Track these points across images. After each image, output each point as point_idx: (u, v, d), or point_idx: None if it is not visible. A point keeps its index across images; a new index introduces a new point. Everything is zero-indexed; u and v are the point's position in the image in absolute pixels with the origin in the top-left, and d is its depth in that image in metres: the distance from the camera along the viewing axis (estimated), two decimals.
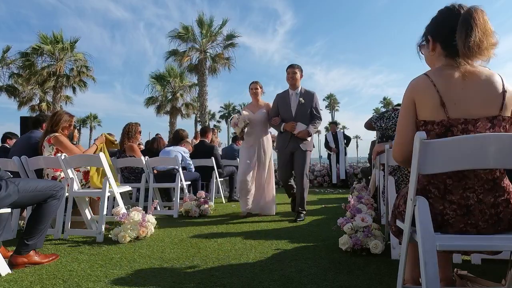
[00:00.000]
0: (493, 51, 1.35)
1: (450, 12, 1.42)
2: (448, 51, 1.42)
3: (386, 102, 60.73)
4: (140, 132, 5.09)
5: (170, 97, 24.06)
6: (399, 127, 1.48)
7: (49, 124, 3.57)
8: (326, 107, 62.93)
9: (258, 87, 4.58)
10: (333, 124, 9.62)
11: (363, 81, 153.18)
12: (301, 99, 4.04)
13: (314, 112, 4.09)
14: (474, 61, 1.36)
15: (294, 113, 4.07)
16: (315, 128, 4.11)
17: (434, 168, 1.31)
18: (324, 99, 64.36)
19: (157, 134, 6.67)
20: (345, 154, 9.19)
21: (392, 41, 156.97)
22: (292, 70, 4.10)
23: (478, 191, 1.32)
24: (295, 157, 4.11)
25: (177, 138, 5.74)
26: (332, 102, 63.63)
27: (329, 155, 9.31)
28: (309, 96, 4.09)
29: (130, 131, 4.96)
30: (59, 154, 3.25)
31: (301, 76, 4.16)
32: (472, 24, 1.31)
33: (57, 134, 3.54)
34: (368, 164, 7.21)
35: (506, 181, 1.36)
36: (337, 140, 9.09)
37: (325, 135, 9.03)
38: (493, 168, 1.30)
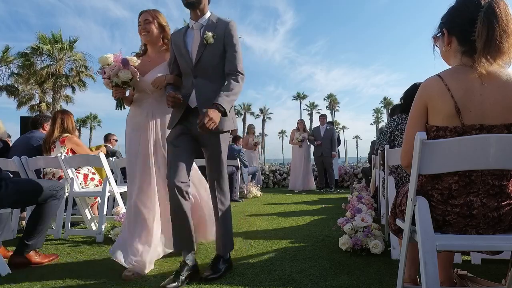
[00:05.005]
0: None
1: (468, 1, 1.29)
2: (465, 47, 1.30)
3: (386, 102, 60.81)
4: None
5: None
6: (408, 133, 1.39)
7: (58, 124, 3.57)
8: (326, 107, 63.13)
9: (150, 18, 2.44)
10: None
11: (364, 81, 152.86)
12: (209, 34, 2.11)
13: (229, 57, 2.15)
14: (494, 62, 1.25)
15: (194, 59, 2.16)
16: (230, 98, 2.06)
17: (434, 168, 1.30)
18: (324, 99, 64.71)
19: None
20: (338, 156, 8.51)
21: (393, 41, 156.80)
22: None
23: (482, 195, 1.29)
24: (202, 146, 2.23)
25: None
26: (332, 102, 63.75)
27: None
28: (221, 27, 2.15)
29: None
30: (59, 154, 3.25)
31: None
32: (493, 20, 1.20)
33: (69, 134, 3.57)
34: (368, 164, 7.21)
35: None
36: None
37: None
38: (494, 168, 1.27)
